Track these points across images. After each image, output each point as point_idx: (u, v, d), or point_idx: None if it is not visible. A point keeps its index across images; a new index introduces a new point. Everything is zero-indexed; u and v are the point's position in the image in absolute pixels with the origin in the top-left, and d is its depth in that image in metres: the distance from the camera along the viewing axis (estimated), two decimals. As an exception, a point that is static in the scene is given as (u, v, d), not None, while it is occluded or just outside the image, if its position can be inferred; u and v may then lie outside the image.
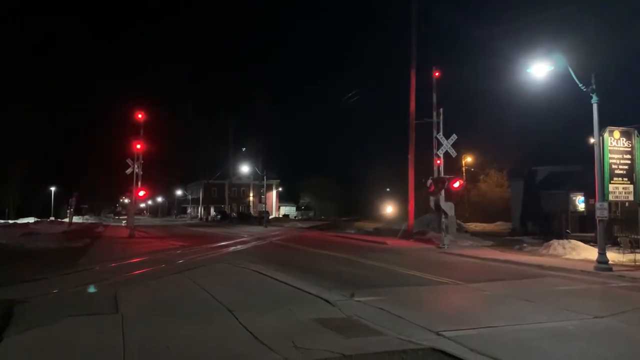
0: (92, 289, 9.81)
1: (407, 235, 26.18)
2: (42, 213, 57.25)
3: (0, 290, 9.62)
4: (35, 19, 73.10)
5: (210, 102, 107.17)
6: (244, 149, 64.38)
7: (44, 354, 5.68)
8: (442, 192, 21.10)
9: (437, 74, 23.83)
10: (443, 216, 21.26)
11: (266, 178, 49.48)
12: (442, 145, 21.33)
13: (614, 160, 14.33)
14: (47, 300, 8.89)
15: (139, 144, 26.69)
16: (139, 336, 6.30)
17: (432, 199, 21.93)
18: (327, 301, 8.59)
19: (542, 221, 27.07)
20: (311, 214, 78.80)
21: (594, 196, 14.56)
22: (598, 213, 13.51)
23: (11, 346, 5.89)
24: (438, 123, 22.14)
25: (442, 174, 21.56)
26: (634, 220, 17.29)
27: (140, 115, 26.75)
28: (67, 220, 41.08)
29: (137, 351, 5.69)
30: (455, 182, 21.38)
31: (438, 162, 22.17)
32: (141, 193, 27.61)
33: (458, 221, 30.88)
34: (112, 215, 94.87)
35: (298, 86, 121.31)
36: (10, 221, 44.34)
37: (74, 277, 11.89)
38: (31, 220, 43.46)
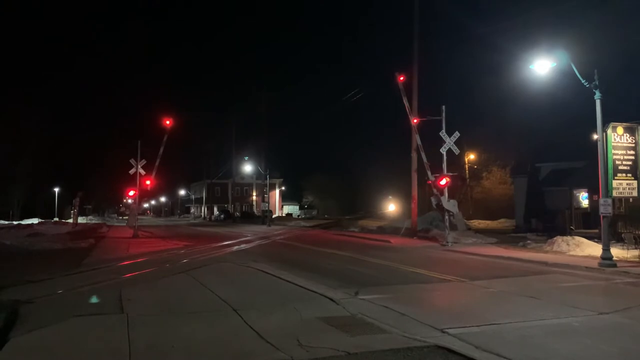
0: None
1: (411, 233, 26.17)
2: (46, 214, 57.45)
3: (6, 290, 9.67)
4: (35, 20, 73.37)
5: (212, 101, 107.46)
6: (246, 158, 64.17)
7: (49, 354, 5.71)
8: (446, 189, 21.10)
9: (401, 78, 23.52)
10: (446, 214, 21.25)
11: (269, 177, 49.47)
12: (444, 142, 21.29)
13: (618, 156, 14.29)
14: (52, 300, 8.93)
15: (161, 147, 26.92)
16: (144, 335, 6.33)
17: (433, 200, 21.94)
18: (331, 299, 8.61)
19: (546, 218, 27.03)
20: (314, 212, 78.77)
21: (597, 192, 14.53)
22: (602, 209, 13.47)
23: (17, 346, 5.93)
24: (440, 121, 22.06)
25: (444, 171, 21.51)
26: (638, 216, 17.25)
27: (168, 122, 26.98)
28: (71, 220, 41.17)
29: (143, 350, 5.72)
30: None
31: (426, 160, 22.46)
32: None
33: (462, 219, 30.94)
34: (115, 215, 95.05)
35: (299, 85, 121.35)
36: (15, 222, 44.52)
37: (79, 277, 11.93)
38: (35, 221, 43.58)
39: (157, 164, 26.92)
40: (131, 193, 27.30)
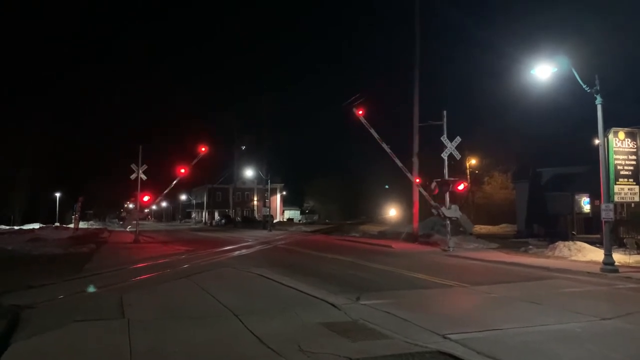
0: (91, 289, 9.60)
1: (412, 238, 26.14)
2: (47, 219, 57.49)
3: (8, 295, 9.66)
4: (36, 23, 73.59)
5: (213, 105, 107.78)
6: (243, 147, 64.02)
7: (50, 359, 5.69)
8: (447, 194, 21.12)
9: (360, 112, 23.38)
10: (447, 220, 21.24)
11: (270, 182, 49.57)
12: (446, 147, 21.30)
13: (619, 161, 14.27)
14: (53, 305, 8.92)
15: (182, 168, 29.05)
16: (146, 341, 6.31)
17: (433, 211, 22.10)
18: (333, 305, 8.59)
19: (548, 223, 26.97)
20: (315, 217, 78.67)
21: (599, 197, 14.49)
22: (604, 214, 13.44)
23: (18, 352, 5.92)
24: (441, 125, 22.10)
25: (446, 177, 21.52)
26: (640, 221, 17.22)
27: (203, 149, 29.43)
28: (72, 225, 41.19)
29: (144, 356, 5.71)
30: (460, 184, 21.36)
31: (417, 180, 22.52)
32: (145, 198, 27.93)
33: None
34: (116, 220, 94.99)
35: (300, 86, 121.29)
36: (16, 227, 44.55)
37: (80, 282, 11.91)
38: (36, 226, 43.61)
39: (176, 180, 29.10)
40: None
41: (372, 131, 23.34)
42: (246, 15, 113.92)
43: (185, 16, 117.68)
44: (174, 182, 29.08)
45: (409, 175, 24.15)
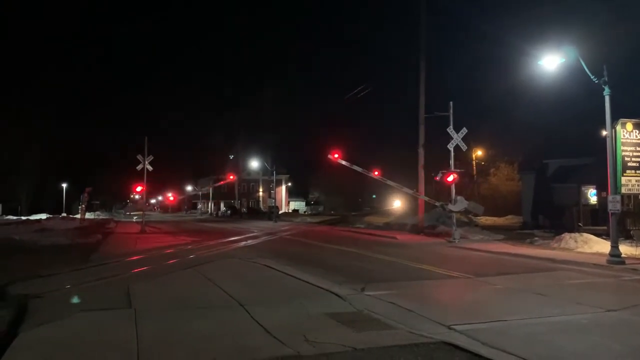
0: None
1: (417, 229, 26.14)
2: (54, 209, 57.83)
3: (16, 285, 9.75)
4: (36, 22, 73.64)
5: (220, 98, 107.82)
6: (246, 141, 64.48)
7: (58, 348, 5.74)
8: (453, 187, 21.12)
9: (336, 155, 23.43)
10: (453, 213, 21.25)
11: (275, 173, 49.51)
12: (452, 138, 21.23)
13: (627, 153, 14.15)
14: (60, 295, 8.99)
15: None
16: (152, 331, 6.36)
17: (439, 209, 22.32)
18: (338, 295, 8.62)
19: (554, 214, 26.85)
20: (320, 208, 78.65)
21: (606, 189, 14.43)
22: (610, 206, 13.37)
23: (26, 340, 5.97)
24: (448, 117, 22.00)
25: (452, 168, 21.47)
26: (647, 213, 17.13)
27: (232, 177, 32.80)
28: (78, 216, 41.42)
29: (151, 346, 5.75)
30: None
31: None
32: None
33: (470, 216, 30.91)
34: (123, 211, 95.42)
35: (305, 79, 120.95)
36: (23, 217, 44.86)
37: (87, 272, 12.02)
38: (43, 216, 43.88)
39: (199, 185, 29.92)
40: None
41: (355, 167, 23.67)
42: (247, 10, 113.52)
43: (186, 15, 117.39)
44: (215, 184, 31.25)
45: (405, 189, 24.99)
